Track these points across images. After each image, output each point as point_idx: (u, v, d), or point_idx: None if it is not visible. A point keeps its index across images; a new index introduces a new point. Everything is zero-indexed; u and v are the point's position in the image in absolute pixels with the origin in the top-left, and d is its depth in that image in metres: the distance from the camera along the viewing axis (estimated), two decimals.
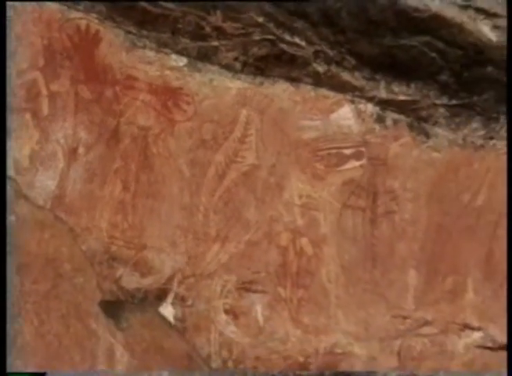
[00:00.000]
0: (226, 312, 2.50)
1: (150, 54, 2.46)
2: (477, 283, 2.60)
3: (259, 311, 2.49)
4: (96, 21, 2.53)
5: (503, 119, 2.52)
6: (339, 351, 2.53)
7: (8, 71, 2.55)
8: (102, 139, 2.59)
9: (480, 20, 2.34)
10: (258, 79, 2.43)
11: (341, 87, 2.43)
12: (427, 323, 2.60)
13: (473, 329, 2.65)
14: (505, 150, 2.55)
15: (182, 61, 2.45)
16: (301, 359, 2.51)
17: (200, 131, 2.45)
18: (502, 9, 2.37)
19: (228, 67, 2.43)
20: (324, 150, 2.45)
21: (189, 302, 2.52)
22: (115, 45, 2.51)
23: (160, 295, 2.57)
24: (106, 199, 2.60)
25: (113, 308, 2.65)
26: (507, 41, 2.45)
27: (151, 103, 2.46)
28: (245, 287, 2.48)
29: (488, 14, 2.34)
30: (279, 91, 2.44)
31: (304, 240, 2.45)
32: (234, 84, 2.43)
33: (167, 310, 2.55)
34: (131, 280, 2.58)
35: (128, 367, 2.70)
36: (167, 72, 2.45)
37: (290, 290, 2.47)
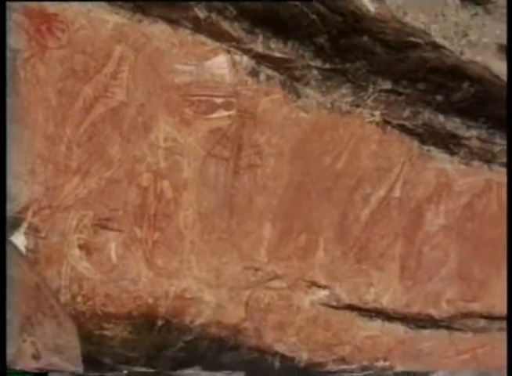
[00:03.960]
0: (80, 247, 2.47)
1: None
2: (329, 244, 2.69)
3: (113, 249, 2.48)
4: None
5: (372, 88, 2.60)
6: (188, 296, 2.56)
7: None
8: None
9: None
10: (137, 16, 2.39)
11: (219, 36, 2.44)
12: (277, 276, 2.68)
13: (319, 287, 2.75)
14: (371, 118, 2.64)
15: None
16: (151, 301, 2.52)
17: (71, 61, 2.39)
18: None
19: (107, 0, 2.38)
20: (195, 96, 2.45)
21: (43, 234, 2.47)
22: None
23: (13, 224, 2.51)
24: None
25: None
26: (507, 42, 2.52)
27: (23, 26, 2.37)
28: (101, 224, 2.46)
29: None
30: (158, 31, 2.41)
31: (165, 183, 2.46)
32: (112, 18, 2.38)
33: (20, 240, 2.49)
34: None
35: None
36: None
37: (146, 231, 2.47)
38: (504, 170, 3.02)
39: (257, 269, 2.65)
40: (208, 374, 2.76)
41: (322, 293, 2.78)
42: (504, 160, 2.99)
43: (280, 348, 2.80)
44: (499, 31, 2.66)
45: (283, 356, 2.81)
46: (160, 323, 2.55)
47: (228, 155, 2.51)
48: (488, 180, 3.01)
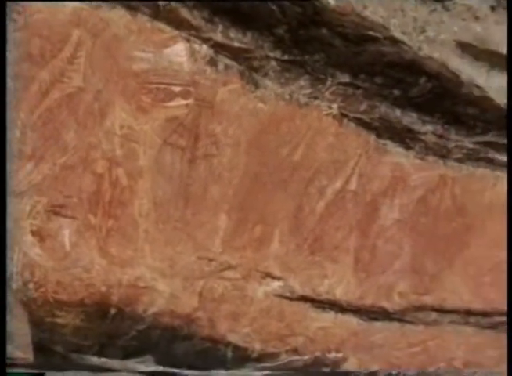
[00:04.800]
0: (33, 233, 2.44)
1: None
2: (284, 235, 2.70)
3: (66, 236, 2.45)
4: None
5: (330, 81, 2.61)
6: (142, 285, 2.55)
7: None
8: None
9: None
10: (96, 1, 2.36)
11: (179, 23, 2.42)
12: (231, 267, 2.68)
13: (274, 278, 2.76)
14: (328, 111, 2.65)
15: None
16: (104, 289, 2.50)
17: (27, 45, 2.35)
18: None
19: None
20: (152, 84, 2.43)
21: None
22: None
23: None
24: None
25: None
26: (507, 40, 2.53)
27: None
28: (55, 211, 2.43)
29: None
30: (116, 17, 2.38)
31: (120, 171, 2.44)
32: (70, 2, 2.35)
33: None
34: None
35: None
36: None
37: (100, 218, 2.45)
38: (458, 165, 3.06)
39: (211, 259, 2.65)
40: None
41: (276, 284, 2.79)
42: (459, 155, 3.03)
43: (233, 338, 2.81)
44: (457, 28, 2.69)
45: (235, 347, 2.82)
46: (112, 311, 2.54)
47: (184, 144, 2.51)
48: (442, 175, 3.04)
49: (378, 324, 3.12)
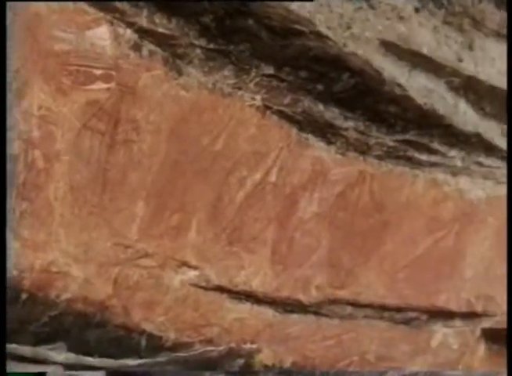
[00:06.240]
0: None
1: None
2: (201, 225, 2.69)
3: None
4: None
5: (254, 72, 2.61)
6: (55, 270, 2.51)
7: None
8: None
9: None
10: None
11: (103, 6, 2.38)
12: (147, 255, 2.66)
13: (190, 267, 2.75)
14: (251, 102, 2.65)
15: None
16: (15, 273, 2.45)
17: None
18: None
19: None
20: (73, 66, 2.39)
21: None
22: None
23: None
24: None
25: None
26: (507, 39, 2.53)
27: None
28: None
29: None
30: None
31: (36, 153, 2.39)
32: None
33: None
34: None
35: None
36: None
37: (13, 200, 2.40)
38: (378, 162, 3.11)
39: (127, 246, 2.63)
40: None
41: (193, 273, 2.78)
42: (379, 152, 3.08)
43: (148, 326, 2.79)
44: (381, 27, 2.73)
45: (150, 335, 2.81)
46: (24, 296, 2.50)
47: (104, 129, 2.47)
48: (362, 171, 3.09)
49: (294, 317, 3.15)
